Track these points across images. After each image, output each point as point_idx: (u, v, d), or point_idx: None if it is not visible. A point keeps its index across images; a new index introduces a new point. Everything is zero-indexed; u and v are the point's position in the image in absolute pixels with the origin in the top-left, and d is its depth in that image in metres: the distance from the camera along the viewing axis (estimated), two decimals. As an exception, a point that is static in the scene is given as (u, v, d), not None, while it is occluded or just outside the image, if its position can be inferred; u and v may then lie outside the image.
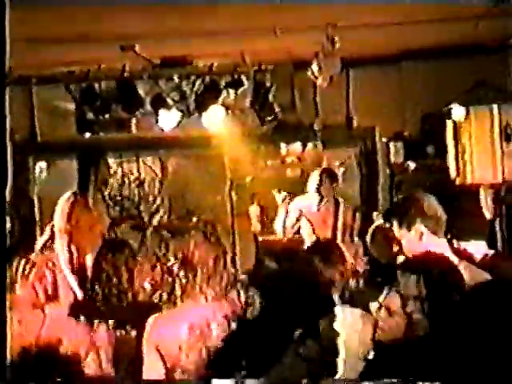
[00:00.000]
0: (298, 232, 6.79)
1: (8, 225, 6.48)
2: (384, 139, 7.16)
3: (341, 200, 6.83)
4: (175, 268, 4.76)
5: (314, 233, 6.61)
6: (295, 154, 7.86)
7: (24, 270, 4.37)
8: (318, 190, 6.68)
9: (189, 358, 3.69)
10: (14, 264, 4.37)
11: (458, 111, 6.64)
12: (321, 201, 6.75)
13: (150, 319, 3.80)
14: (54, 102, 6.86)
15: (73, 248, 5.83)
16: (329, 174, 6.80)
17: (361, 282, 4.36)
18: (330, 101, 7.01)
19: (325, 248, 4.26)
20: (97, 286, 5.05)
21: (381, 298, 3.49)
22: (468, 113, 6.63)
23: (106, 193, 7.01)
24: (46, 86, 6.86)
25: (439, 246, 3.30)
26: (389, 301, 3.38)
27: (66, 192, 6.87)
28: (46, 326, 4.13)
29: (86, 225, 5.86)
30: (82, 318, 4.47)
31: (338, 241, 6.48)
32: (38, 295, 4.26)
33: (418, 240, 3.30)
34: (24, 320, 4.08)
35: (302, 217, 6.71)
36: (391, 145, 7.11)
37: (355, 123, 7.17)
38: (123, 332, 3.85)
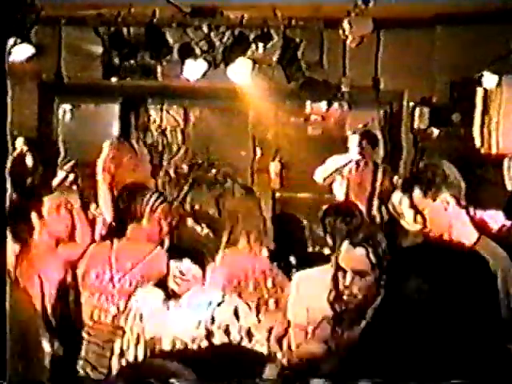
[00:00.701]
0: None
1: (30, 164, 6.52)
2: (411, 103, 7.08)
3: (380, 164, 6.73)
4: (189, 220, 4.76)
5: (347, 195, 6.54)
6: (319, 113, 7.79)
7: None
8: (361, 153, 6.58)
9: None
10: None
11: (489, 79, 6.53)
12: (358, 162, 6.63)
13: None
14: (81, 45, 6.83)
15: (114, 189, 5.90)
16: (369, 138, 6.69)
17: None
18: (359, 61, 6.92)
19: (346, 210, 4.26)
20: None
21: None
22: (500, 81, 6.53)
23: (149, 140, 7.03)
24: (75, 28, 6.83)
25: (462, 217, 3.16)
26: None
27: (89, 135, 6.93)
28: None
29: (129, 167, 5.91)
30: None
31: (375, 206, 6.45)
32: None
33: (443, 211, 3.11)
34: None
35: (338, 172, 6.62)
36: (417, 110, 7.04)
37: (382, 86, 7.09)
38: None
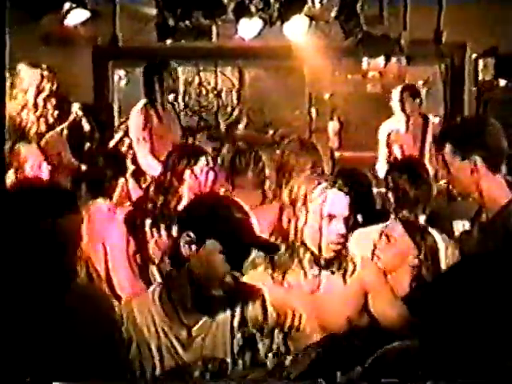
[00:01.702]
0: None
1: (87, 129, 6.55)
2: (474, 55, 6.85)
3: (430, 116, 6.61)
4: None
5: (403, 155, 6.46)
6: (377, 69, 7.61)
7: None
8: (403, 109, 6.48)
9: None
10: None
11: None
12: (408, 120, 6.55)
13: None
14: (135, 7, 6.76)
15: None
16: (410, 91, 6.58)
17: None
18: (421, 13, 6.69)
19: (411, 167, 4.14)
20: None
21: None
22: None
23: (182, 102, 6.95)
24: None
25: (492, 182, 2.98)
26: (390, 229, 3.18)
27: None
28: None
29: (157, 134, 5.87)
30: (148, 221, 4.51)
31: (427, 158, 6.30)
32: None
33: (469, 172, 2.96)
34: None
35: (392, 143, 6.56)
36: (480, 61, 6.80)
37: (444, 38, 6.85)
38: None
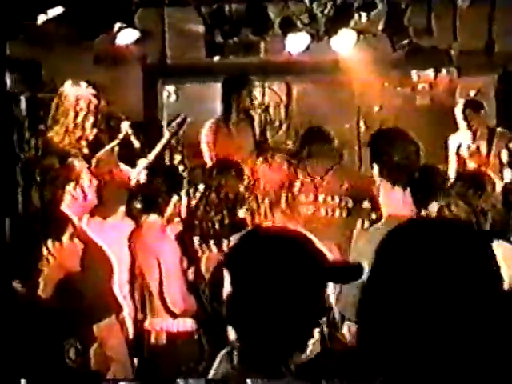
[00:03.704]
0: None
1: (137, 145, 6.63)
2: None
3: (499, 130, 6.46)
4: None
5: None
6: (427, 81, 7.52)
7: None
8: (469, 126, 6.34)
9: None
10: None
11: None
12: (474, 135, 6.42)
13: None
14: (184, 25, 6.84)
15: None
16: (472, 106, 6.45)
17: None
18: (471, 23, 6.61)
19: (475, 178, 4.09)
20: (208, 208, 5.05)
21: None
22: None
23: (256, 119, 6.96)
24: (177, 8, 6.83)
25: (388, 192, 3.40)
26: None
27: (194, 115, 6.93)
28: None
29: (226, 152, 5.88)
30: (196, 238, 4.54)
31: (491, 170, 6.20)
32: None
33: (367, 180, 3.66)
34: None
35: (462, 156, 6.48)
36: (534, 71, 6.69)
37: (496, 48, 6.75)
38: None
